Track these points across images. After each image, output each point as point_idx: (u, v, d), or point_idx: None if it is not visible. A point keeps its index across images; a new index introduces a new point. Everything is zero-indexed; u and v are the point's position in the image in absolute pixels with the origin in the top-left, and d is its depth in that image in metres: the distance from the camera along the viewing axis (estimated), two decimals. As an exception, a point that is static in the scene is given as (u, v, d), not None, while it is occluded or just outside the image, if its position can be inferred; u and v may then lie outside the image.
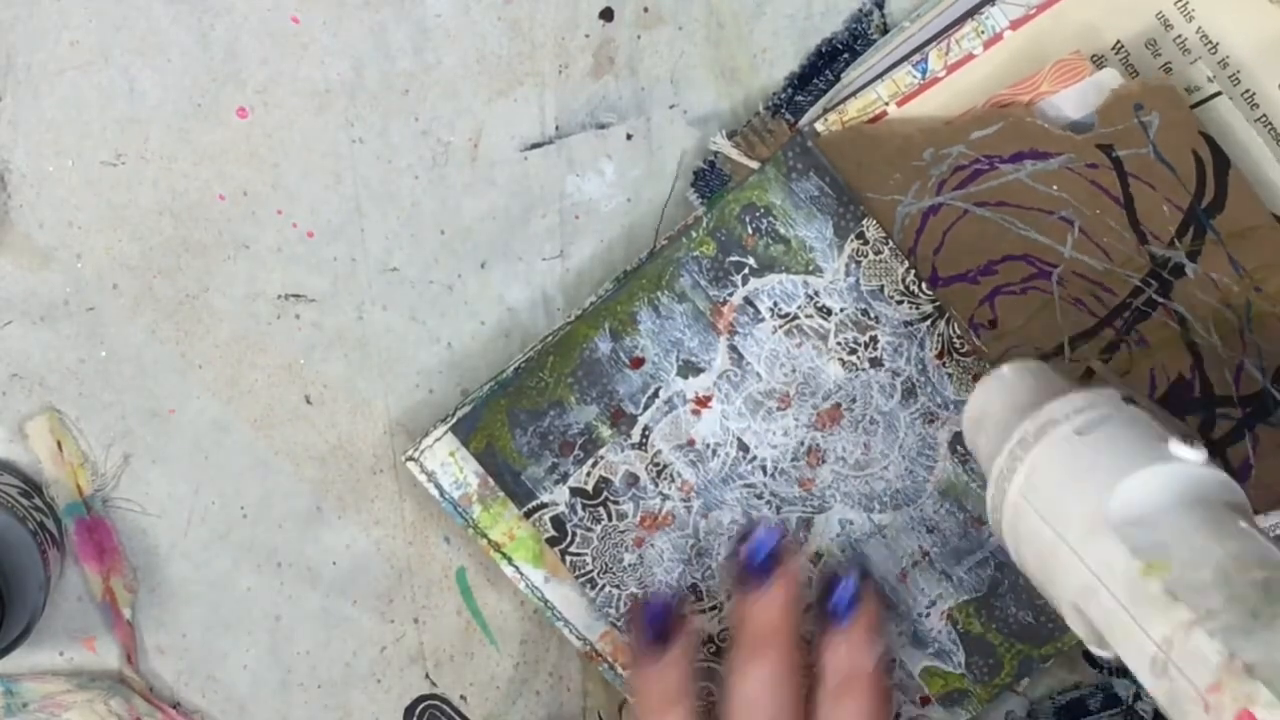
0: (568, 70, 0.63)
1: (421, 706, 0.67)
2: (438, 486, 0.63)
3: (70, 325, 0.63)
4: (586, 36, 0.63)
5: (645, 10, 0.63)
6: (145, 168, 0.63)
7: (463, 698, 0.67)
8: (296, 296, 0.64)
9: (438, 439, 0.63)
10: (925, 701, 0.65)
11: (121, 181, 0.63)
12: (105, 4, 0.62)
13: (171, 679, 0.66)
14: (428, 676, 0.67)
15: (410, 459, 0.63)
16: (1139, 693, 0.66)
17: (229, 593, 0.66)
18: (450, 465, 0.63)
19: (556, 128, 0.63)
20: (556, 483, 0.63)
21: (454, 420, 0.62)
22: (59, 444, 0.63)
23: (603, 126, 0.63)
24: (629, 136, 0.64)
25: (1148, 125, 0.59)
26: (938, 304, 0.62)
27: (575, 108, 0.63)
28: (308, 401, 0.65)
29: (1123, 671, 0.66)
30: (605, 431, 0.63)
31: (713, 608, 0.65)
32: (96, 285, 0.63)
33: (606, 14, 0.63)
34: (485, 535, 0.64)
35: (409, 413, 0.65)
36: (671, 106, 0.64)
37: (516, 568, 0.64)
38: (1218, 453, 0.63)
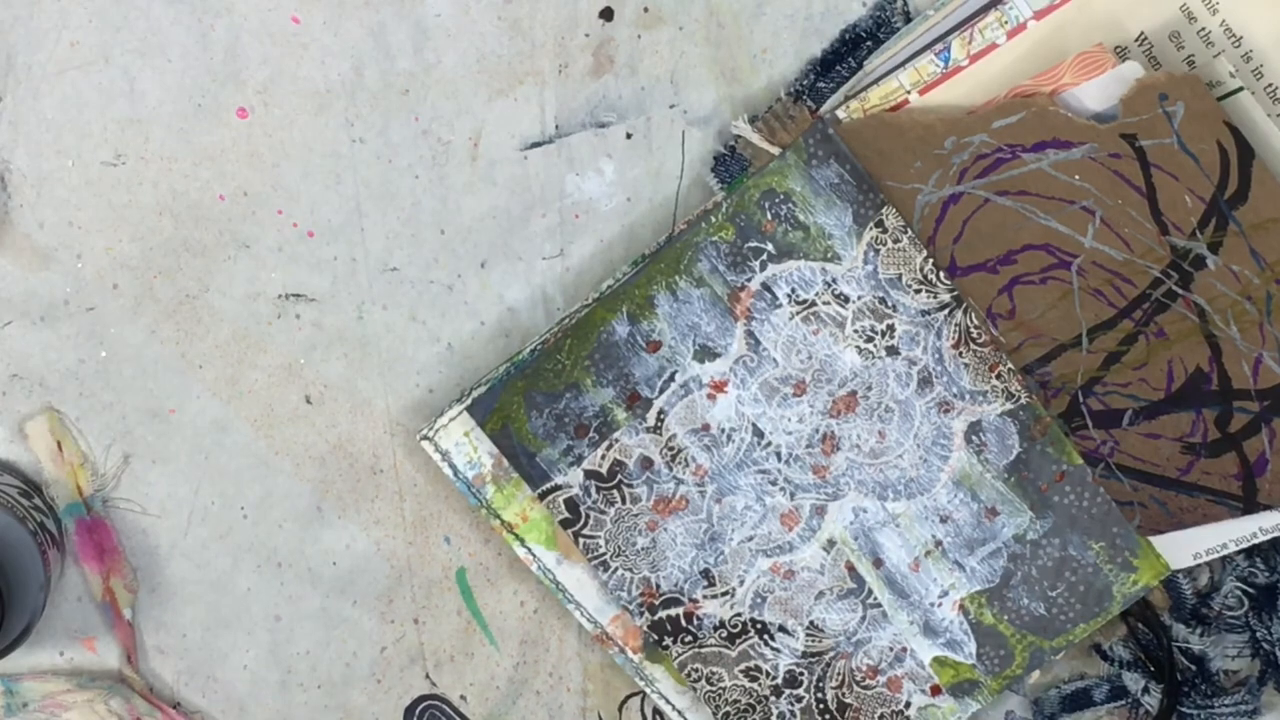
0: (568, 70, 0.63)
1: (421, 706, 0.67)
2: (451, 466, 0.63)
3: (70, 325, 0.63)
4: (586, 36, 0.63)
5: (645, 10, 0.63)
6: (145, 168, 0.63)
7: (463, 698, 0.67)
8: (296, 296, 0.64)
9: (453, 418, 0.63)
10: (936, 691, 0.65)
11: (121, 181, 0.63)
12: (105, 4, 0.62)
13: (171, 679, 0.66)
14: (428, 676, 0.67)
15: (424, 438, 0.63)
16: (1147, 687, 0.66)
17: (229, 593, 0.66)
18: (464, 445, 0.63)
19: (556, 127, 0.63)
20: (571, 465, 0.63)
21: (470, 401, 0.63)
22: (59, 444, 0.63)
23: (603, 126, 0.63)
24: (629, 136, 0.64)
25: (1172, 115, 0.59)
26: (955, 293, 0.62)
27: (575, 107, 0.63)
28: (308, 401, 0.65)
29: (1133, 665, 0.66)
30: (621, 415, 0.63)
31: (724, 593, 0.65)
32: (96, 285, 0.63)
33: (606, 14, 0.63)
34: (498, 516, 0.64)
35: (409, 413, 0.65)
36: (671, 106, 0.64)
37: (529, 549, 0.64)
38: (1234, 446, 0.63)
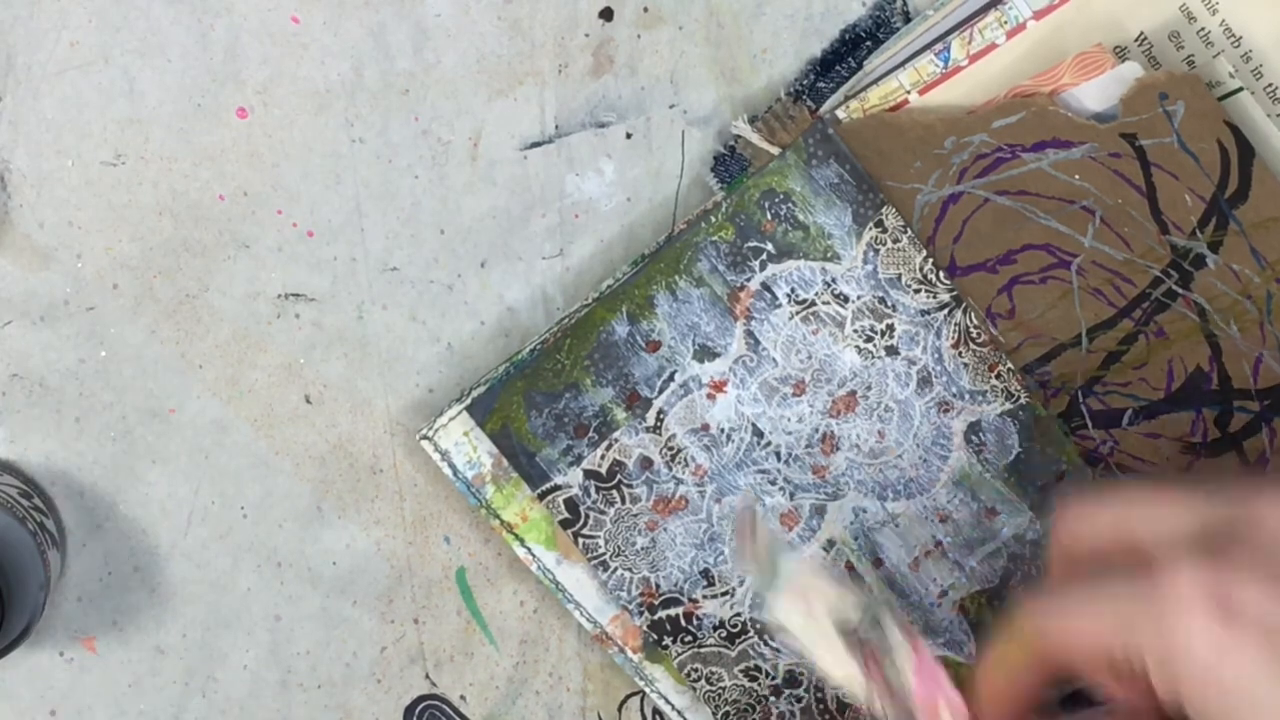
0: (568, 70, 0.63)
1: (421, 706, 0.67)
2: (451, 466, 0.63)
3: (70, 325, 0.63)
4: (586, 36, 0.63)
5: (645, 10, 0.63)
6: (145, 168, 0.63)
7: (463, 698, 0.67)
8: (296, 296, 0.64)
9: (452, 418, 0.63)
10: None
11: (121, 181, 0.63)
12: (105, 4, 0.62)
13: (171, 678, 0.66)
14: (428, 676, 0.67)
15: (424, 437, 0.63)
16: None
17: (229, 593, 0.66)
18: (464, 445, 0.63)
19: (556, 127, 0.63)
20: (570, 465, 0.63)
21: (469, 401, 0.63)
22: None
23: (603, 126, 0.63)
24: (629, 136, 0.64)
25: (1172, 114, 0.59)
26: (955, 293, 0.62)
27: (575, 107, 0.63)
28: (308, 401, 0.65)
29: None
30: (620, 414, 0.63)
31: (724, 593, 0.65)
32: (96, 285, 0.63)
33: (606, 14, 0.63)
34: (498, 516, 0.64)
35: (409, 413, 0.65)
36: (671, 106, 0.64)
37: (529, 549, 0.64)
38: (1235, 446, 0.63)
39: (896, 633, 0.55)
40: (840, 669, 0.55)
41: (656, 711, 0.67)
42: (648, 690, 0.66)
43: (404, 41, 0.62)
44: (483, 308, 0.65)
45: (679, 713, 0.66)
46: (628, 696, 0.67)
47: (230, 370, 0.64)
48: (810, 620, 0.55)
